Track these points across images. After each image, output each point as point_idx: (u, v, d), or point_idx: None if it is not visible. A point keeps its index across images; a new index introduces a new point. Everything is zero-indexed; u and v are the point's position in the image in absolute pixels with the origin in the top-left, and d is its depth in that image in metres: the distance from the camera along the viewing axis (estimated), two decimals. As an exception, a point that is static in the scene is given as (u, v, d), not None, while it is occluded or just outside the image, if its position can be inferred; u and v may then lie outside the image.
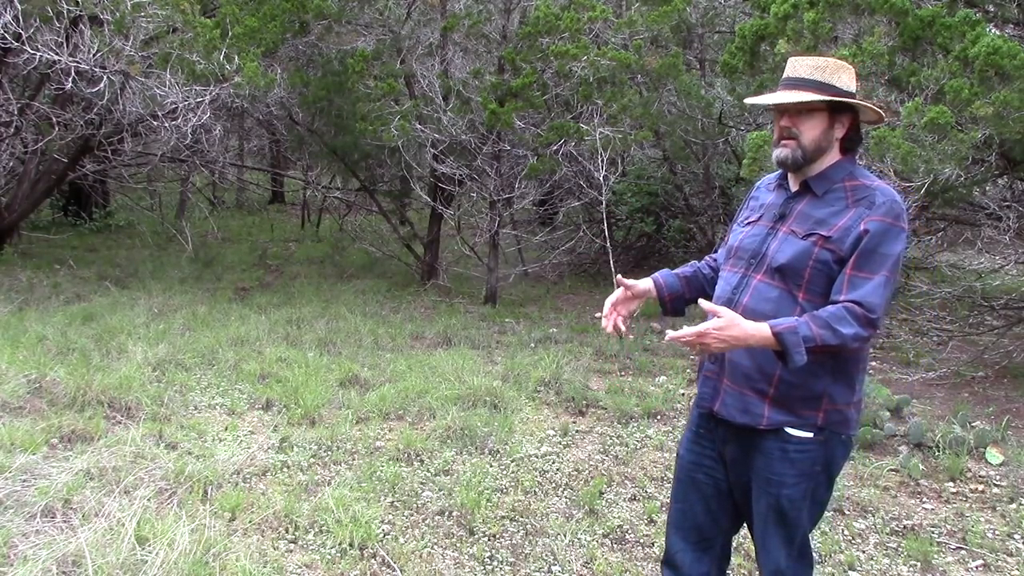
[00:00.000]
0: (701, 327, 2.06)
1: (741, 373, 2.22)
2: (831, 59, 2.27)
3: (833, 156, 2.25)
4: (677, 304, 2.54)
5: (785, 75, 2.26)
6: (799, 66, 2.23)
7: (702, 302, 2.10)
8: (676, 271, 2.57)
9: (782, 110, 2.23)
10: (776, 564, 2.27)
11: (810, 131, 2.20)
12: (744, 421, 2.22)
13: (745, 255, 2.29)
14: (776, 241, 2.23)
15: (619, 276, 2.50)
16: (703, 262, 2.60)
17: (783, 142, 2.23)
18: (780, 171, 2.35)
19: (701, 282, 2.54)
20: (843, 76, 2.20)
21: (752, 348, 2.15)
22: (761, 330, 2.05)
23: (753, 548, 3.40)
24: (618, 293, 2.49)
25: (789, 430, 2.18)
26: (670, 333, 2.08)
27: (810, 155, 2.21)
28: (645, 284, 2.51)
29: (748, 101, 2.47)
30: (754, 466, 2.24)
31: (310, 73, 9.15)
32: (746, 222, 2.38)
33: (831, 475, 2.25)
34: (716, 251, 2.60)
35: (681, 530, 2.43)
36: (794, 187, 2.29)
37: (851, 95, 2.21)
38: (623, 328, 2.48)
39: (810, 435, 2.18)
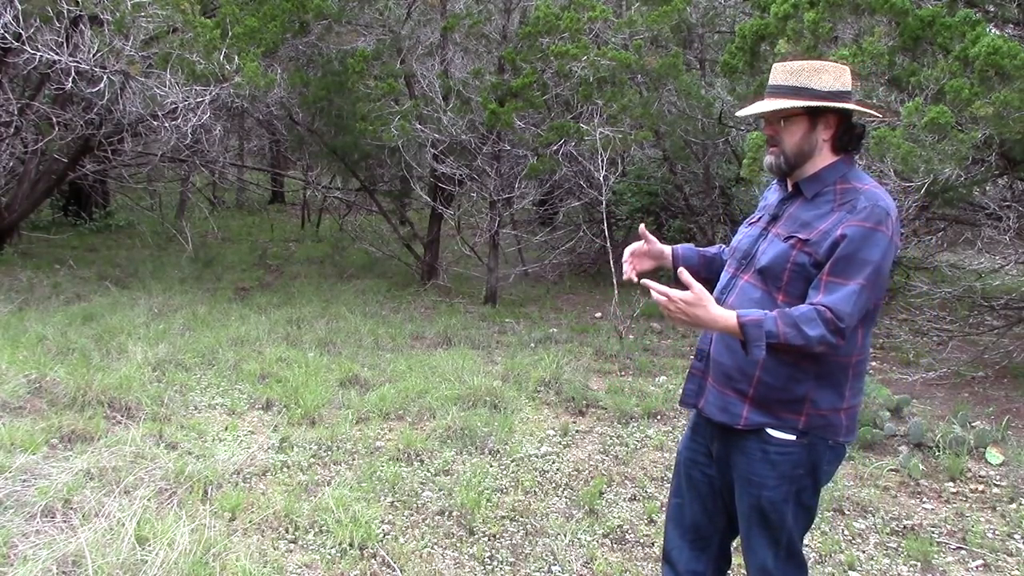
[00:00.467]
0: (670, 290, 2.04)
1: (723, 372, 2.23)
2: (813, 61, 2.23)
3: (826, 157, 2.22)
4: (690, 261, 2.54)
5: (769, 82, 2.25)
6: (777, 72, 2.22)
7: (681, 271, 2.09)
8: (699, 248, 2.59)
9: (763, 118, 2.25)
10: (762, 563, 2.26)
11: (790, 137, 2.20)
12: (722, 420, 2.23)
13: (739, 255, 2.31)
14: (765, 243, 2.24)
15: (643, 227, 2.51)
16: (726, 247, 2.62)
17: (769, 149, 2.25)
18: None
19: (720, 265, 2.52)
20: (824, 77, 2.15)
21: (733, 347, 2.16)
22: (727, 317, 2.04)
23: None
24: (639, 244, 2.49)
25: (770, 431, 2.18)
26: (645, 281, 2.07)
27: (792, 160, 2.21)
28: (665, 248, 2.52)
29: (738, 114, 2.50)
30: (736, 465, 2.25)
31: (310, 73, 9.14)
32: (749, 223, 2.39)
33: (817, 479, 2.23)
34: None
35: (678, 527, 2.44)
36: (789, 189, 2.30)
37: (833, 95, 2.15)
38: (635, 279, 2.47)
39: (792, 437, 2.17)
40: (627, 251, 2.49)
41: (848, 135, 2.22)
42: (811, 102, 2.15)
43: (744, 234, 2.35)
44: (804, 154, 2.21)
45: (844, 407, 2.19)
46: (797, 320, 2.04)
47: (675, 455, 4.53)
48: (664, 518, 3.71)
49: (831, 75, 2.17)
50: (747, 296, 2.21)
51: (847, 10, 5.59)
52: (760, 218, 2.34)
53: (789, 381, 2.13)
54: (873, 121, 5.14)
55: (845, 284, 2.06)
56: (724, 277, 2.34)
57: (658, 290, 2.03)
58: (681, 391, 2.40)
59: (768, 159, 2.25)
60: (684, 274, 2.07)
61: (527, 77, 7.92)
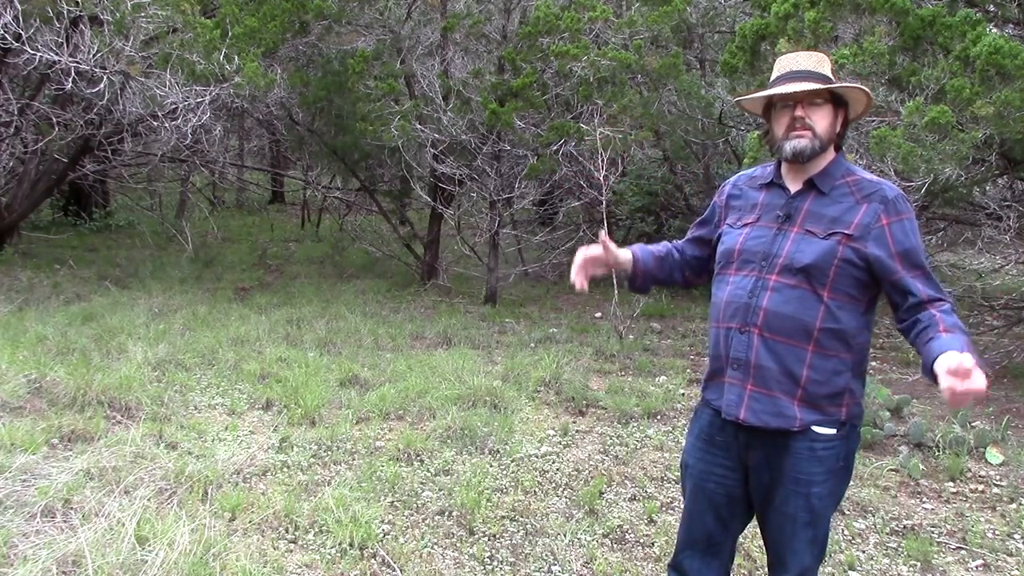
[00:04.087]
0: (958, 380, 1.83)
1: (770, 377, 2.20)
2: (818, 53, 2.30)
3: (830, 152, 2.26)
4: (646, 283, 2.55)
5: (787, 69, 2.25)
6: (801, 60, 2.25)
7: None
8: (651, 248, 2.55)
9: (795, 101, 2.20)
10: (802, 563, 2.27)
11: (822, 120, 2.21)
12: (778, 425, 2.20)
13: (754, 257, 2.25)
14: (789, 242, 2.21)
15: (604, 234, 2.46)
16: (672, 245, 2.58)
17: (797, 133, 2.19)
18: (766, 171, 2.34)
19: (670, 266, 2.54)
20: (830, 70, 2.26)
21: (777, 351, 2.18)
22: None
23: (753, 548, 3.40)
24: (595, 251, 2.44)
25: (816, 428, 2.19)
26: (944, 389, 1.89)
27: (825, 144, 2.21)
28: (624, 255, 2.50)
29: (747, 98, 2.37)
30: (782, 468, 2.22)
31: (310, 73, 9.14)
32: (742, 223, 2.33)
33: (850, 468, 2.29)
34: (682, 241, 2.59)
35: (691, 536, 2.42)
36: (795, 186, 2.26)
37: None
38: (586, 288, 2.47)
39: (834, 431, 2.20)
40: (580, 256, 2.43)
41: (845, 132, 2.30)
42: (850, 85, 2.25)
43: (745, 235, 2.30)
44: (831, 140, 2.23)
45: (865, 392, 2.28)
46: (960, 325, 2.08)
47: (673, 455, 4.51)
48: (665, 520, 3.71)
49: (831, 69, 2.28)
50: (785, 297, 2.18)
51: (848, 9, 5.59)
52: (758, 218, 2.29)
53: (833, 375, 2.16)
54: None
55: (923, 271, 2.16)
56: (745, 281, 2.25)
57: (956, 389, 1.84)
58: (723, 403, 2.29)
59: (800, 142, 2.19)
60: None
61: (527, 77, 7.92)
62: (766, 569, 3.34)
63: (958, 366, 1.82)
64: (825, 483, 2.20)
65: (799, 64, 2.24)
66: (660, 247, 2.57)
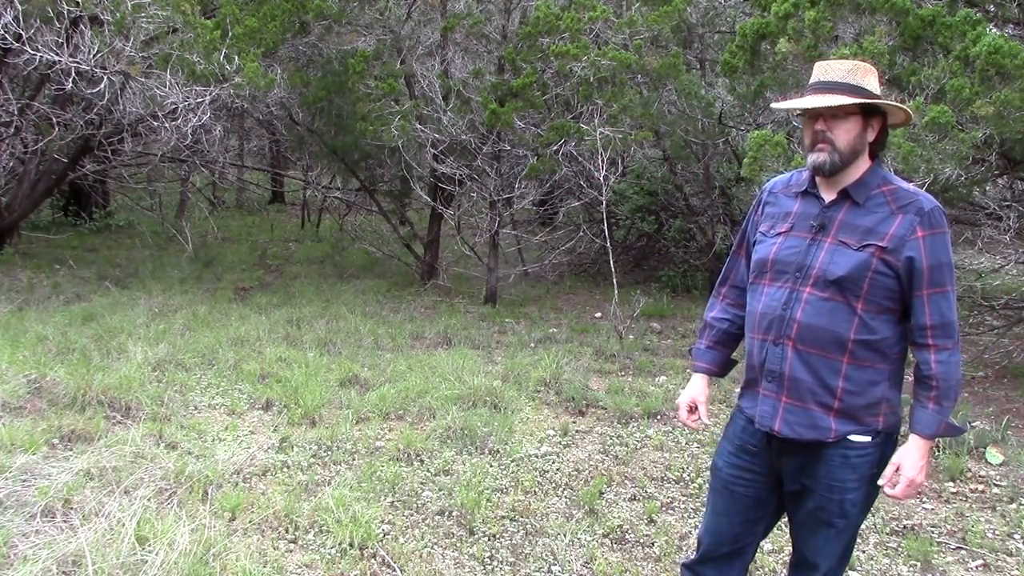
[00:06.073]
0: (904, 483, 2.17)
1: (804, 389, 2.19)
2: (859, 62, 2.24)
3: (865, 161, 2.21)
4: (727, 369, 2.54)
5: (816, 79, 2.22)
6: (831, 69, 2.20)
7: (886, 490, 2.21)
8: (707, 343, 2.52)
9: (816, 114, 2.18)
10: (829, 565, 2.29)
11: (845, 134, 2.16)
12: (813, 437, 2.20)
13: (789, 268, 2.23)
14: (823, 253, 2.18)
15: (684, 420, 2.57)
16: (718, 310, 2.51)
17: (818, 146, 2.18)
18: (801, 177, 2.31)
19: (732, 335, 2.49)
20: (871, 79, 2.19)
21: (811, 363, 2.17)
22: (926, 443, 2.18)
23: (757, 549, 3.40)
24: (695, 407, 2.55)
25: (851, 437, 2.19)
26: (889, 493, 2.21)
27: (846, 159, 2.17)
28: (699, 386, 2.53)
29: (778, 106, 2.36)
30: (816, 475, 2.23)
31: (310, 73, 9.15)
32: (775, 232, 2.30)
33: (881, 473, 2.27)
34: (722, 287, 2.52)
35: (717, 539, 2.42)
36: (829, 196, 2.23)
37: (880, 97, 2.20)
38: (702, 421, 2.59)
39: (868, 439, 2.20)
40: (686, 418, 2.55)
41: (884, 140, 2.25)
42: (874, 100, 2.17)
43: (779, 245, 2.27)
44: (856, 152, 2.19)
45: (901, 401, 2.26)
46: (949, 384, 2.14)
47: (673, 455, 4.51)
48: (665, 520, 3.71)
49: (875, 78, 2.21)
50: (818, 309, 2.17)
51: (848, 9, 5.58)
52: (791, 227, 2.27)
53: (868, 386, 2.16)
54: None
55: (944, 291, 2.15)
56: (779, 293, 2.24)
57: (903, 495, 2.19)
58: (757, 413, 2.30)
59: (819, 157, 2.17)
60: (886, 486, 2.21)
61: (527, 77, 7.92)
62: (767, 569, 3.35)
63: (908, 482, 2.15)
64: (859, 490, 2.21)
65: (829, 74, 2.19)
66: (711, 332, 2.52)
